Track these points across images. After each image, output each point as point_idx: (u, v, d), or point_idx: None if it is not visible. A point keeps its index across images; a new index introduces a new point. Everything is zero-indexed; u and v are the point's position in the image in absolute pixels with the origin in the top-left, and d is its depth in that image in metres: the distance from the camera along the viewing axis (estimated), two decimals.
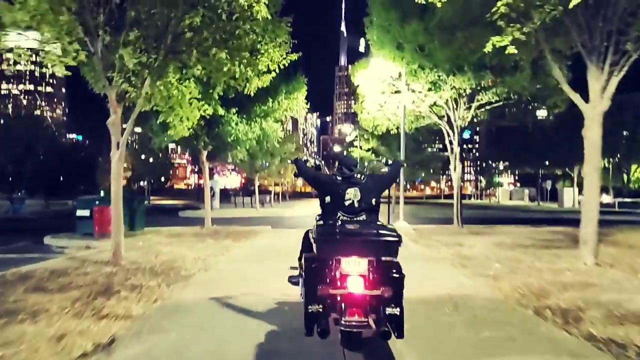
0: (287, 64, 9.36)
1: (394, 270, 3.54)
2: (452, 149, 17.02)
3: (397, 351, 4.08)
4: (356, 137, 35.43)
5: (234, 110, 14.97)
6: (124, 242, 8.82)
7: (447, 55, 13.43)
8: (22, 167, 30.07)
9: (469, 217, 19.22)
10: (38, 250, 12.27)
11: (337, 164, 4.38)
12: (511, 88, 13.79)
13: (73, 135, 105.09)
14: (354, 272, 3.52)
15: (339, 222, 3.97)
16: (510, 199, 72.19)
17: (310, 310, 3.46)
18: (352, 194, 4.10)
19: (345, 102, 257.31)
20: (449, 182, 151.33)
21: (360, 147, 32.44)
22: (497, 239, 13.31)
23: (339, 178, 4.21)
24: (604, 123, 8.58)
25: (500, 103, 15.09)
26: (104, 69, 8.16)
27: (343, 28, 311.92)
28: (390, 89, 16.23)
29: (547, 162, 55.00)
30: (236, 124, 15.11)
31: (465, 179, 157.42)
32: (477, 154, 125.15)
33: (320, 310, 3.46)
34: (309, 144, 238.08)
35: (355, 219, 4.06)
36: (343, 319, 3.45)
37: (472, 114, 16.16)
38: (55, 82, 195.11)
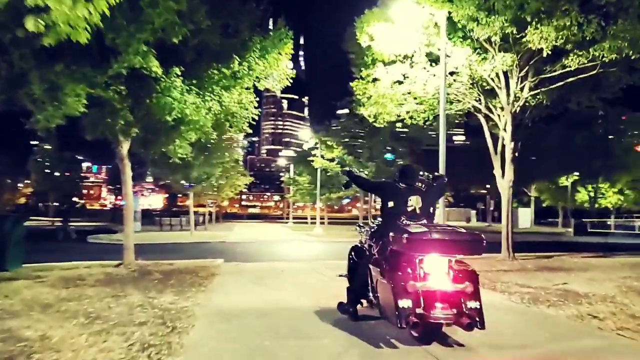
0: None
1: (471, 267, 4.00)
2: (495, 145, 11.97)
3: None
4: (316, 144, 29.70)
5: (177, 70, 8.92)
6: None
7: None
8: None
9: None
10: None
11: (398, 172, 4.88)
12: (628, 41, 8.74)
13: None
14: (439, 270, 3.88)
15: (428, 227, 4.10)
16: (447, 219, 68.36)
17: (402, 306, 3.74)
18: (415, 201, 4.58)
19: (273, 122, 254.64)
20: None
21: (322, 157, 26.79)
22: (601, 276, 8.70)
23: (402, 185, 4.65)
24: None
25: (591, 73, 10.09)
26: None
27: None
28: (420, 51, 10.81)
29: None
30: (181, 93, 9.02)
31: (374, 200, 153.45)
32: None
33: (410, 305, 3.74)
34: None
35: (418, 223, 4.23)
36: (432, 312, 3.77)
37: (525, 95, 11.20)
38: None
